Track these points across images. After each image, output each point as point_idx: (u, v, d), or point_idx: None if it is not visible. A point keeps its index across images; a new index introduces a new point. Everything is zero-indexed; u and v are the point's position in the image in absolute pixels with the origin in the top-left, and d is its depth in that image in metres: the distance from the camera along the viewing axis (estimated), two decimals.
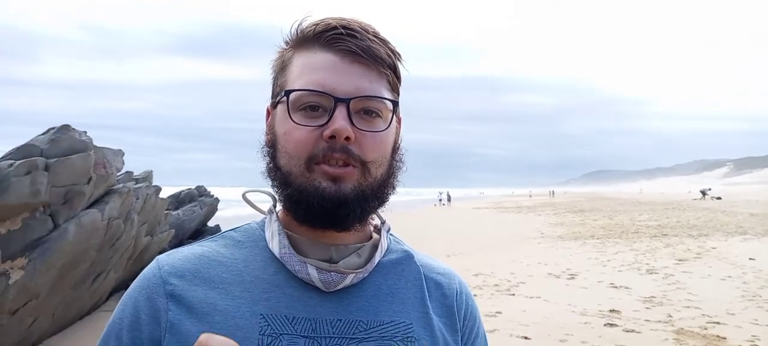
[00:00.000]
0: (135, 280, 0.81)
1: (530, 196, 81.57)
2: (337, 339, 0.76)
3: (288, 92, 0.77)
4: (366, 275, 0.82)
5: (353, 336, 0.76)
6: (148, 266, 0.81)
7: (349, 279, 0.79)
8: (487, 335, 0.94)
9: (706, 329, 6.13)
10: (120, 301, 0.81)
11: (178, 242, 10.01)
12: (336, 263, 0.79)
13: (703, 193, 49.26)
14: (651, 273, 9.91)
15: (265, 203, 0.89)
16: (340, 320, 0.77)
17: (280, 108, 0.79)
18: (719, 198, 45.31)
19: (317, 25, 0.79)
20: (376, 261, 0.83)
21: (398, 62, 0.83)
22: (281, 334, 0.74)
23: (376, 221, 0.90)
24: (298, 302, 0.77)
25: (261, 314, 0.74)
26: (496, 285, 9.06)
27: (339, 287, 0.79)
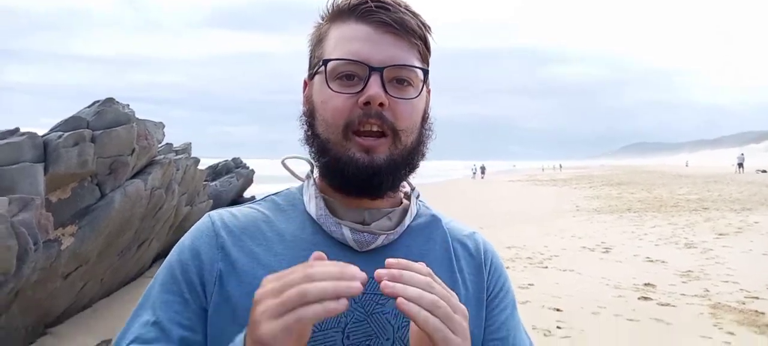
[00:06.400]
0: (189, 231, 0.88)
1: (543, 170, 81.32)
2: (369, 295, 0.81)
3: (325, 62, 0.82)
4: (396, 237, 0.86)
5: None
6: (201, 220, 0.88)
7: (381, 240, 0.84)
8: (520, 306, 0.98)
9: (743, 303, 6.02)
10: (175, 246, 0.87)
11: None
12: (368, 225, 0.84)
13: (740, 165, 44.78)
14: (689, 247, 9.72)
15: (301, 172, 0.95)
16: (373, 278, 0.83)
17: (318, 78, 0.84)
18: (765, 171, 43.46)
19: None
20: (406, 224, 0.88)
21: (428, 34, 0.86)
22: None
23: (407, 188, 0.94)
24: (333, 259, 0.83)
25: None
26: (529, 258, 9.05)
27: (371, 247, 0.84)
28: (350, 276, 0.62)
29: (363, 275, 0.62)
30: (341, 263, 0.63)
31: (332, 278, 0.61)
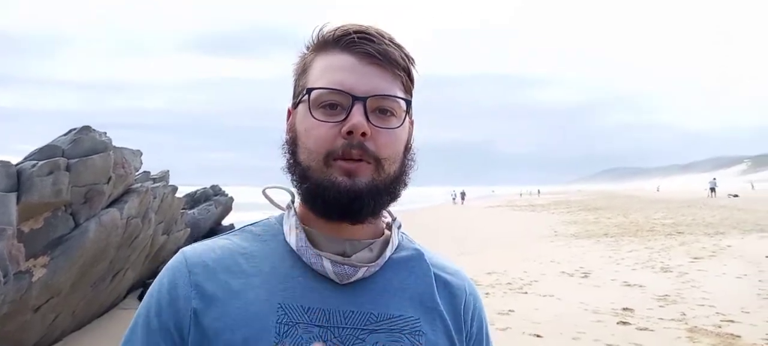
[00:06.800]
0: (162, 270, 0.86)
1: (520, 195, 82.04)
2: (349, 330, 0.80)
3: (309, 90, 0.82)
4: (377, 269, 0.86)
5: (364, 327, 0.80)
6: (174, 257, 0.86)
7: (361, 272, 0.83)
8: (500, 333, 0.97)
9: (720, 327, 6.11)
10: (148, 290, 0.86)
11: (193, 241, 10.14)
12: (349, 257, 0.83)
13: (712, 189, 46.44)
14: (665, 271, 9.86)
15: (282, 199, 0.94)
16: (353, 311, 0.81)
17: (301, 107, 0.84)
18: (736, 195, 44.53)
19: (337, 29, 0.84)
20: (387, 256, 0.87)
21: (412, 66, 0.87)
22: (297, 323, 0.78)
23: (388, 219, 0.93)
24: (313, 293, 0.81)
25: (278, 304, 0.79)
26: (509, 284, 9.07)
27: (352, 280, 0.83)
28: None
29: None
30: None
31: None
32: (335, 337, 0.79)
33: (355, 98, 0.80)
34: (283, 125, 0.91)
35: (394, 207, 0.92)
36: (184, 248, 0.88)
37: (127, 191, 6.62)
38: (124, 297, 7.89)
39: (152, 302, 0.82)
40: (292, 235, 0.85)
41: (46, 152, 5.28)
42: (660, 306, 7.17)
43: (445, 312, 0.88)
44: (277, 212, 0.94)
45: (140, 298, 7.66)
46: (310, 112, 0.82)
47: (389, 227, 0.93)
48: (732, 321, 6.31)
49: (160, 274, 0.86)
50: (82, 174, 5.39)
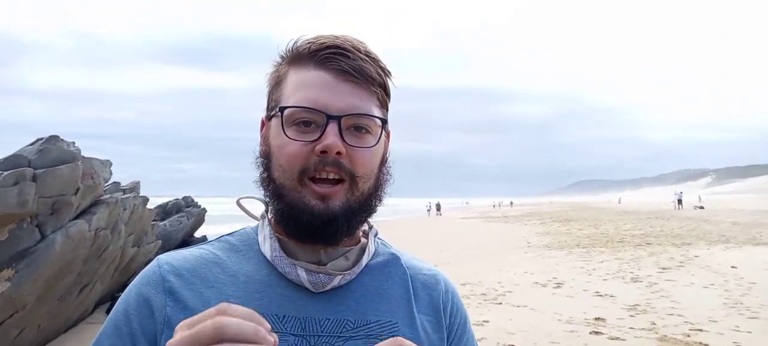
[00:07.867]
0: (136, 277, 0.85)
1: (494, 206, 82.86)
2: (325, 337, 0.79)
3: (282, 109, 0.81)
4: (353, 276, 0.85)
5: (341, 335, 0.80)
6: (149, 265, 0.85)
7: (337, 280, 0.83)
8: None
9: (688, 336, 6.23)
10: (121, 296, 0.84)
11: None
12: (325, 265, 0.83)
13: (680, 201, 47.62)
14: (635, 281, 10.04)
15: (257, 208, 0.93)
16: (329, 319, 0.81)
17: (275, 122, 0.83)
18: (702, 207, 45.71)
19: (312, 43, 0.83)
20: (364, 263, 0.87)
21: (388, 80, 0.86)
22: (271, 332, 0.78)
23: (365, 226, 0.92)
24: (288, 301, 0.80)
25: None
26: (484, 294, 9.12)
27: (327, 288, 0.82)
28: (259, 320, 0.58)
29: (268, 325, 0.59)
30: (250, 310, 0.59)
31: (245, 316, 0.57)
32: (312, 345, 0.78)
33: (330, 117, 0.79)
34: (256, 136, 0.89)
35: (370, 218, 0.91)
36: (159, 256, 0.86)
37: (96, 202, 6.47)
38: (93, 311, 7.68)
39: (125, 307, 0.81)
40: (267, 244, 0.84)
41: (11, 162, 5.13)
42: (631, 316, 7.29)
43: (423, 313, 0.88)
44: (253, 223, 0.92)
45: (109, 312, 7.47)
46: (284, 130, 0.80)
47: (365, 234, 0.92)
48: (700, 330, 6.45)
49: (134, 280, 0.84)
50: (49, 185, 5.25)
